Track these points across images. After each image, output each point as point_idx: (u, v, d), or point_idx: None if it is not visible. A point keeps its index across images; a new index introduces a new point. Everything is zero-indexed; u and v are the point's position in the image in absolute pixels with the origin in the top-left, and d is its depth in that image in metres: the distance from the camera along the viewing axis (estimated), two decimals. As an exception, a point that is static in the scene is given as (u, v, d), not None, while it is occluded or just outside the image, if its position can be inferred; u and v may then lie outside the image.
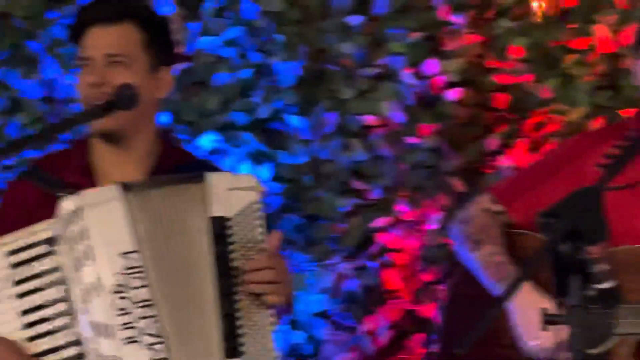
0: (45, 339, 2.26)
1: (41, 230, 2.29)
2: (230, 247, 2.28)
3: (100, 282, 2.21)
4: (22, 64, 3.76)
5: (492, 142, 3.84)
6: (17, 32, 3.76)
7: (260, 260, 2.28)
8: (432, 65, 3.82)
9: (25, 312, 2.27)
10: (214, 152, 3.74)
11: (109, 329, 2.20)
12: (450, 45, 3.83)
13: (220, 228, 2.27)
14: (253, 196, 2.31)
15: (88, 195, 2.26)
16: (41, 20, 3.76)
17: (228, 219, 2.28)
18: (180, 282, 2.26)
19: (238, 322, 2.25)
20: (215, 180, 2.30)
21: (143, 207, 2.26)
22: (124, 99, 2.32)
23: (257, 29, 3.81)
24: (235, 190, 2.30)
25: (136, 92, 2.34)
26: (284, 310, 2.40)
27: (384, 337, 3.70)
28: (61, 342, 2.25)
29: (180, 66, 3.78)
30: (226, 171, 2.38)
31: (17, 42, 3.78)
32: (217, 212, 2.28)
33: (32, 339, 2.26)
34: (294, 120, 3.78)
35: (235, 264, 2.27)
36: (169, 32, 2.55)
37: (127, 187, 2.27)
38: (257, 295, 2.28)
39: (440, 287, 3.77)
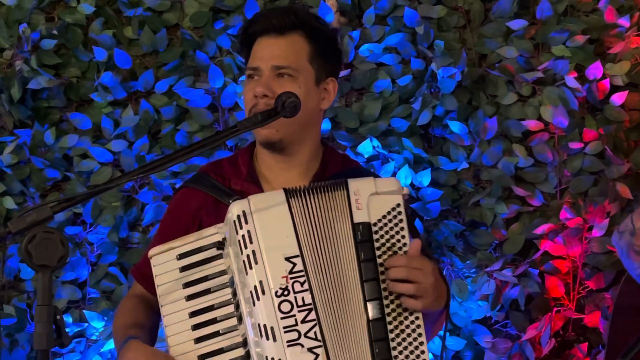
0: (212, 340, 2.31)
1: (210, 234, 2.35)
2: (376, 252, 2.29)
3: (265, 285, 2.25)
4: (189, 73, 3.87)
5: (660, 146, 3.73)
6: (186, 42, 3.87)
7: (397, 259, 2.28)
8: (596, 69, 3.73)
9: (194, 314, 2.33)
10: (373, 158, 3.76)
11: (272, 332, 2.24)
12: (615, 48, 3.74)
13: (364, 234, 2.29)
14: (396, 200, 2.32)
15: (254, 200, 2.30)
16: (208, 31, 3.86)
17: (371, 225, 2.30)
18: (335, 287, 2.29)
19: (388, 327, 2.27)
20: (358, 187, 2.32)
21: (302, 213, 2.30)
22: (285, 106, 2.35)
23: (417, 35, 3.81)
24: (378, 195, 2.32)
25: (298, 100, 2.36)
26: (439, 315, 2.39)
27: (547, 345, 3.64)
28: (227, 343, 2.30)
29: (340, 73, 3.81)
30: (369, 176, 2.38)
31: (185, 52, 3.89)
32: (361, 218, 2.30)
33: (200, 340, 2.32)
34: (454, 126, 3.76)
35: (381, 268, 2.29)
36: (336, 43, 2.57)
37: (289, 193, 2.31)
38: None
39: (606, 295, 3.68)
